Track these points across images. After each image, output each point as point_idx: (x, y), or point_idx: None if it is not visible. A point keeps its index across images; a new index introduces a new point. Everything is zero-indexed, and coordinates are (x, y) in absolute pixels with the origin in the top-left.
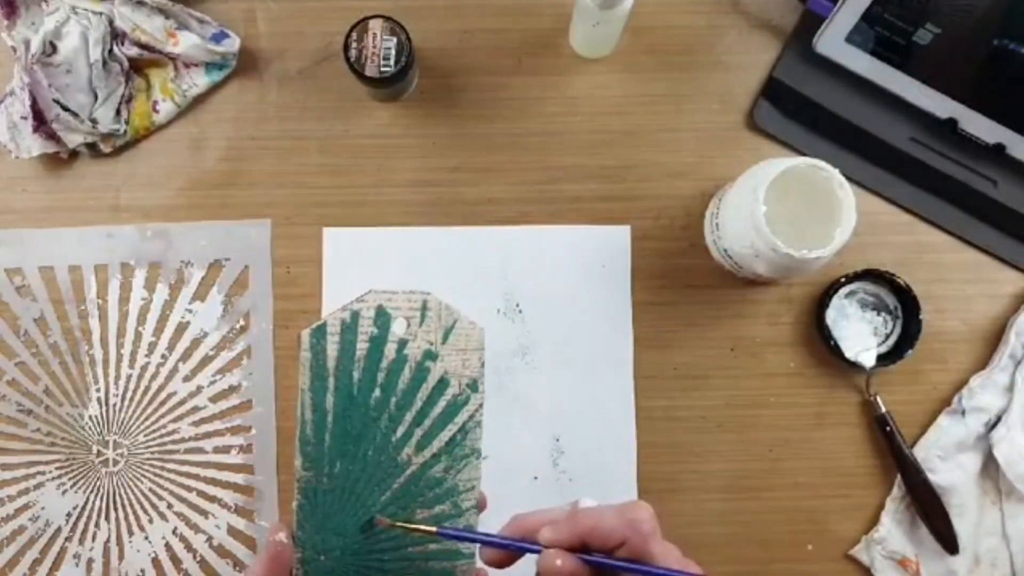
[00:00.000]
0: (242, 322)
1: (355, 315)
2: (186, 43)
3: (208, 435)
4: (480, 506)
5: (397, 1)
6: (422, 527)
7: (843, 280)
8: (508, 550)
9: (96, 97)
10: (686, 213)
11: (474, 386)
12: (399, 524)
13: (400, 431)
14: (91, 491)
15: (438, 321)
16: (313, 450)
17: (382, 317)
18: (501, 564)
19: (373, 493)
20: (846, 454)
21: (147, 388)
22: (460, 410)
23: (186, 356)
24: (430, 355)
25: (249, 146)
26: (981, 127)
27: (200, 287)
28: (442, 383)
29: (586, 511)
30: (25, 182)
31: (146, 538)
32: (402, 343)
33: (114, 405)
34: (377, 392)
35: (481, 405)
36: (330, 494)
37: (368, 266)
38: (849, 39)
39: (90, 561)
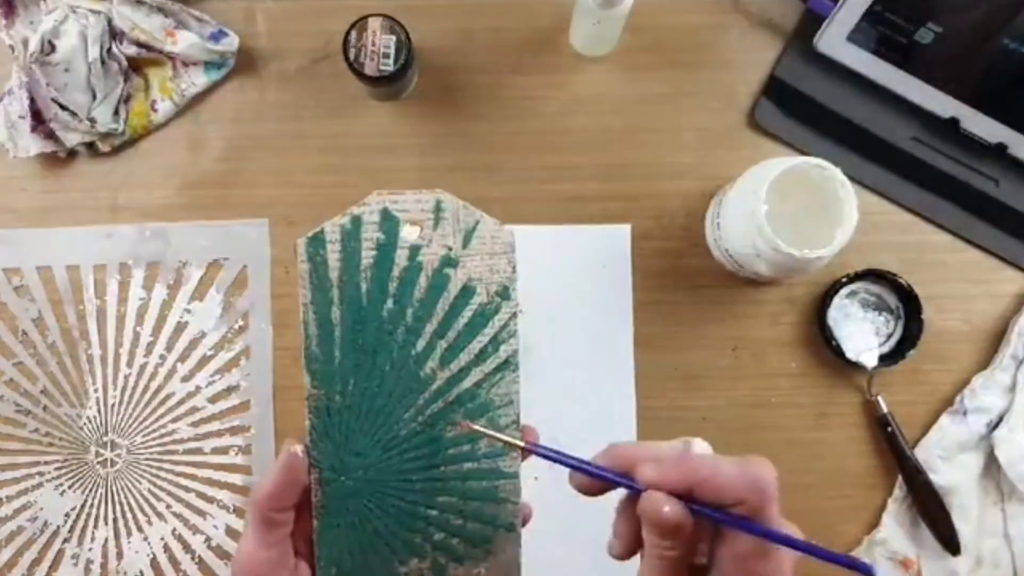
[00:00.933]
0: (241, 322)
1: (357, 220)
2: (185, 42)
3: (207, 436)
4: (526, 517)
5: (397, 0)
6: (507, 438)
7: (845, 280)
8: (603, 480)
9: (94, 96)
10: (687, 213)
11: (504, 293)
12: (479, 429)
13: (420, 344)
14: (89, 492)
15: (456, 223)
16: (322, 367)
17: (388, 222)
18: (591, 492)
19: (395, 410)
20: (847, 454)
21: (145, 388)
22: (490, 320)
23: (184, 356)
24: (449, 261)
25: (248, 145)
26: (983, 126)
27: (199, 287)
28: (466, 291)
29: (700, 457)
30: (23, 181)
31: (144, 539)
32: (414, 249)
33: (112, 405)
34: (390, 303)
35: (515, 314)
36: (346, 412)
37: None
38: (850, 38)
39: (88, 562)
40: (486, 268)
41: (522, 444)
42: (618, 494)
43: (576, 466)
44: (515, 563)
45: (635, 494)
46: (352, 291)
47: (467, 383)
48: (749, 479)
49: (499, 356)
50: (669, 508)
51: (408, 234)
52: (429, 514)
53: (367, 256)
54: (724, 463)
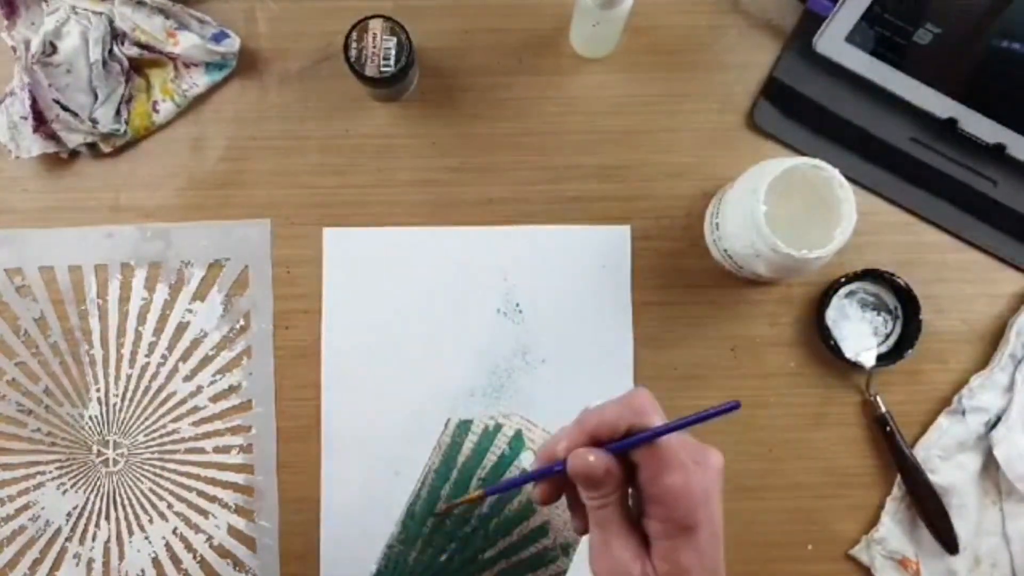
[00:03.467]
0: (242, 322)
1: (498, 428)
2: (186, 43)
3: (208, 435)
4: None
5: (397, 1)
6: (470, 497)
7: (843, 280)
8: (545, 479)
9: (96, 97)
10: (686, 213)
11: (566, 550)
12: (447, 507)
13: (489, 553)
14: (91, 491)
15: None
16: (414, 527)
17: (517, 442)
18: (549, 499)
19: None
20: (846, 454)
21: (147, 388)
22: (546, 565)
23: (186, 356)
24: (512, 454)
25: (249, 146)
26: (981, 127)
27: (200, 287)
28: (540, 530)
29: (588, 411)
30: (25, 182)
31: (146, 538)
32: (523, 472)
33: (114, 405)
34: (484, 508)
35: (565, 572)
36: (405, 573)
37: (368, 266)
38: (849, 39)
39: (90, 561)
40: (562, 521)
41: (481, 493)
42: None
43: (519, 482)
44: None
45: (560, 477)
46: (466, 478)
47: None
48: (627, 406)
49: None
50: (593, 457)
51: (525, 460)
52: None
53: (491, 458)
54: (607, 406)
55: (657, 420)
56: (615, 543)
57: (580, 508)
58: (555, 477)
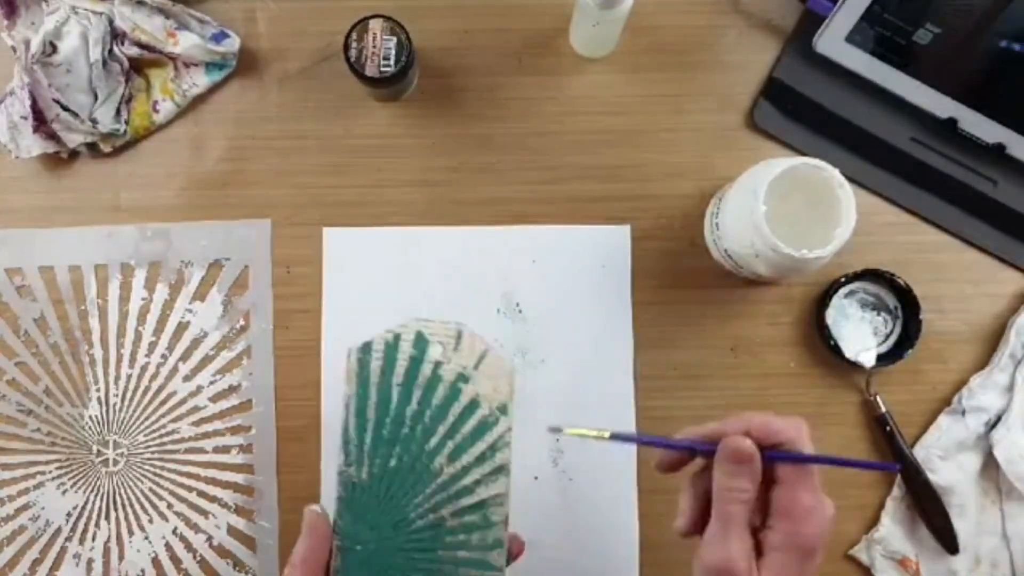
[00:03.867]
0: (242, 322)
1: (397, 337)
2: (186, 43)
3: (208, 435)
4: (513, 551)
5: (397, 1)
6: (592, 433)
7: (843, 280)
8: (680, 449)
9: (96, 97)
10: (686, 213)
11: (504, 410)
12: (572, 432)
13: (433, 441)
14: (91, 491)
15: (471, 350)
16: (355, 449)
17: (421, 342)
18: (669, 469)
19: (407, 495)
20: (846, 453)
21: (147, 388)
22: (490, 430)
23: (186, 356)
24: (463, 378)
25: (249, 146)
26: (981, 127)
27: (200, 287)
28: (473, 404)
29: (751, 412)
30: (25, 182)
31: (146, 538)
32: (437, 365)
33: (114, 405)
34: (414, 405)
35: (510, 428)
36: (367, 491)
37: (368, 266)
38: (849, 39)
39: (90, 561)
40: (490, 387)
41: (607, 435)
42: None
43: (653, 442)
44: None
45: (702, 468)
46: (386, 392)
47: (467, 480)
48: (791, 423)
49: (495, 461)
50: (748, 442)
51: (434, 352)
52: None
53: (401, 366)
54: (771, 415)
55: (809, 449)
56: (734, 538)
57: (694, 505)
58: (687, 454)
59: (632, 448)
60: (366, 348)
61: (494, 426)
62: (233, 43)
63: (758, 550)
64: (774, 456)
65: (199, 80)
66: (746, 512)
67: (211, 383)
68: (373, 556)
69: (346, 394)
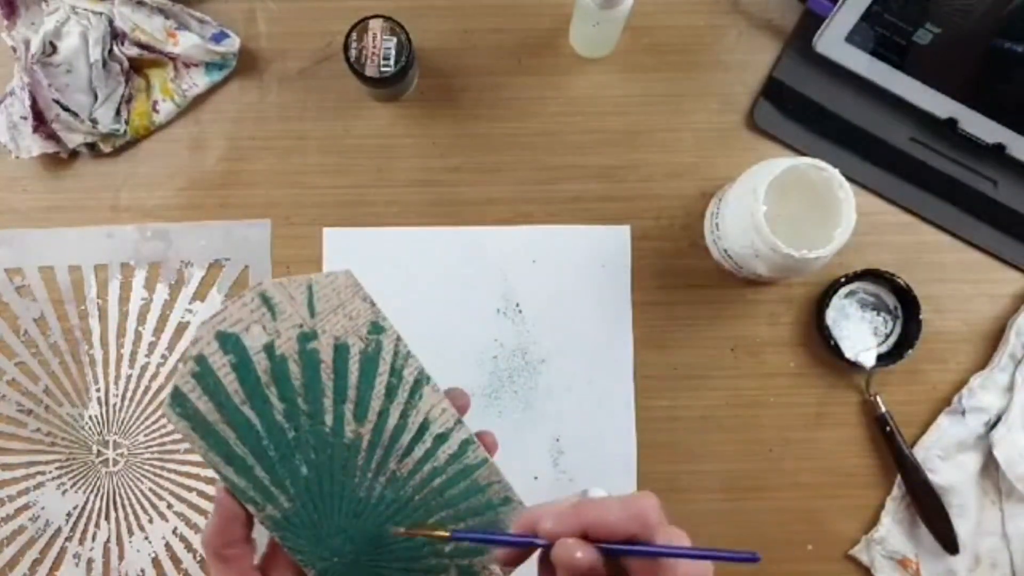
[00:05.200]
0: None
1: (200, 358)
2: (186, 43)
3: None
4: (491, 447)
5: (397, 1)
6: (434, 532)
7: (843, 280)
8: (517, 548)
9: (96, 97)
10: (686, 213)
11: (376, 329)
12: (407, 532)
13: (328, 419)
14: (91, 491)
15: (291, 302)
16: (255, 492)
17: (227, 341)
18: (514, 564)
19: (344, 482)
20: (846, 454)
21: (147, 388)
22: (378, 358)
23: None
24: (306, 337)
25: (249, 146)
26: (981, 127)
27: (200, 287)
28: (340, 350)
29: (590, 503)
30: (25, 182)
31: (146, 538)
32: (268, 347)
33: (114, 405)
34: (278, 405)
35: (398, 339)
36: (301, 509)
37: (368, 266)
38: (849, 39)
39: (90, 561)
40: (345, 319)
41: (447, 535)
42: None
43: (490, 540)
44: None
45: (547, 551)
46: (237, 418)
47: (392, 420)
48: (632, 513)
49: (407, 382)
50: (581, 553)
51: (254, 339)
52: (435, 536)
53: (229, 382)
54: (610, 503)
55: (661, 534)
56: None
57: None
58: (528, 548)
59: (631, 450)
60: (178, 399)
61: (379, 352)
62: (233, 43)
63: None
64: (615, 551)
65: (199, 80)
66: None
67: None
68: (357, 554)
69: (205, 457)
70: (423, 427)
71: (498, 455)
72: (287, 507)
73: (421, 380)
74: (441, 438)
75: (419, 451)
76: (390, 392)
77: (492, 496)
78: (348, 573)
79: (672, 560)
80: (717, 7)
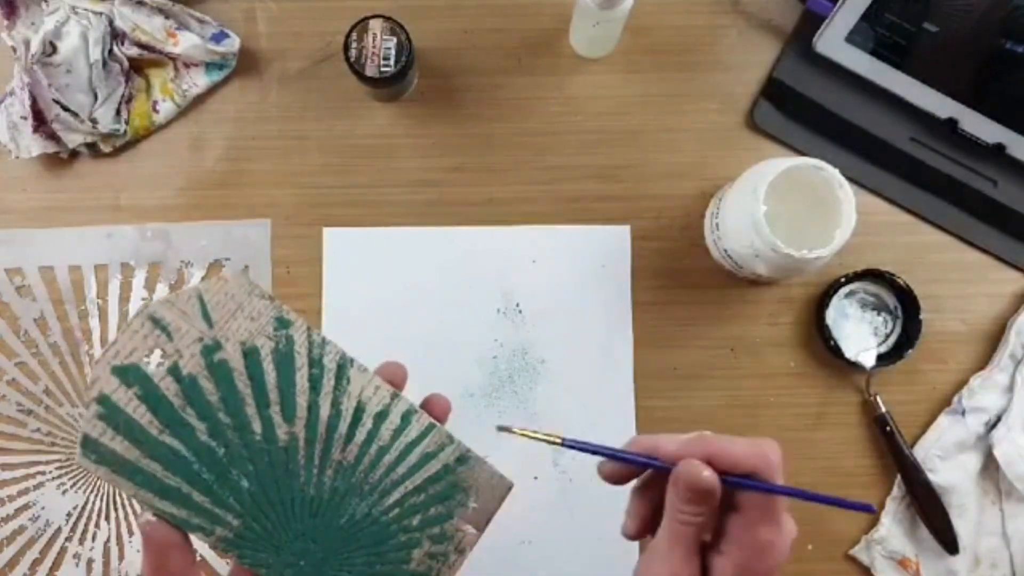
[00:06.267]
0: None
1: (104, 399)
2: (186, 43)
3: None
4: (441, 413)
5: (397, 1)
6: (549, 438)
7: (843, 280)
8: (631, 464)
9: (96, 97)
10: (686, 213)
11: (283, 323)
12: (523, 433)
13: (256, 427)
14: (91, 491)
15: (184, 318)
16: (197, 519)
17: (127, 373)
18: (618, 480)
19: (289, 484)
20: (846, 454)
21: None
22: (292, 353)
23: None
24: (210, 349)
25: (249, 146)
26: (981, 127)
27: None
28: (250, 355)
29: (715, 436)
30: (25, 182)
31: None
32: (172, 370)
33: None
34: (200, 426)
35: (308, 329)
36: (252, 523)
37: (368, 266)
38: (849, 39)
39: (90, 561)
40: (247, 321)
41: (559, 442)
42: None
43: (606, 453)
44: (493, 475)
45: (653, 476)
46: (160, 449)
47: (324, 412)
48: (758, 452)
49: (329, 369)
50: (708, 473)
51: (156, 365)
52: (393, 517)
53: (141, 415)
54: (736, 440)
55: (779, 476)
56: (679, 558)
57: (644, 510)
58: (638, 467)
59: None
60: (89, 444)
61: (292, 345)
62: (233, 43)
63: (705, 571)
64: (735, 483)
65: (199, 80)
66: (697, 533)
67: None
68: (322, 553)
69: (137, 497)
70: (359, 410)
71: (498, 455)
72: (236, 525)
73: (344, 364)
74: (381, 416)
75: (360, 434)
76: (314, 384)
77: (447, 459)
78: (321, 571)
79: (779, 498)
80: (717, 7)
